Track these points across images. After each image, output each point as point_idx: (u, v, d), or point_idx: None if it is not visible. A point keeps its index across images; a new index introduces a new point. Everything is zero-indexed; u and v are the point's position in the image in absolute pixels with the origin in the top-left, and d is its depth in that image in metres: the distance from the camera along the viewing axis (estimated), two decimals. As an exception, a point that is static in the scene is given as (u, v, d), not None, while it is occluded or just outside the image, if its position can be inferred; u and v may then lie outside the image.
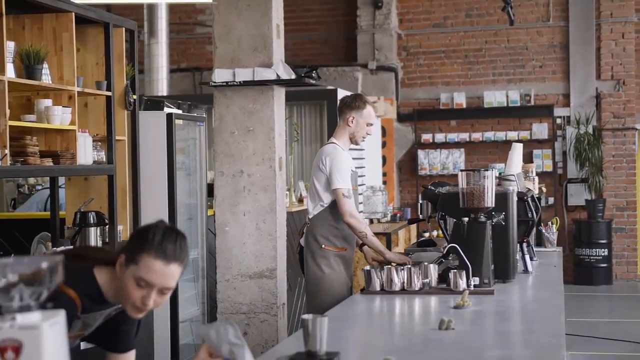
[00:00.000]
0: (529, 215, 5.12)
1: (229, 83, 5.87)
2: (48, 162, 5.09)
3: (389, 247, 9.37)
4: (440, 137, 13.08)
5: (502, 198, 4.63)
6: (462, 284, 4.25)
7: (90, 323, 2.81)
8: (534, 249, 5.80)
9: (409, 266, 4.38)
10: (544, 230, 6.54)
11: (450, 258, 4.56)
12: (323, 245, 5.36)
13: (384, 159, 12.59)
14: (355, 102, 5.48)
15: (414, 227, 11.45)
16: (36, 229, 6.16)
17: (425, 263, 4.46)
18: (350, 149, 5.56)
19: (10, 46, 4.88)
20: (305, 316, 2.76)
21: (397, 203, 12.92)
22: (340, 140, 5.48)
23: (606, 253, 12.46)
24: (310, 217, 5.48)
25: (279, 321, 5.78)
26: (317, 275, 5.35)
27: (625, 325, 9.78)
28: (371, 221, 10.85)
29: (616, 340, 8.78)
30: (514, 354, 3.04)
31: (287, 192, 8.35)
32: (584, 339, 8.84)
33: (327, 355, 2.78)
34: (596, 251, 12.44)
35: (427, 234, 12.23)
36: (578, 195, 12.79)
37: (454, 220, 4.63)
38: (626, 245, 12.83)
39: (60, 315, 1.80)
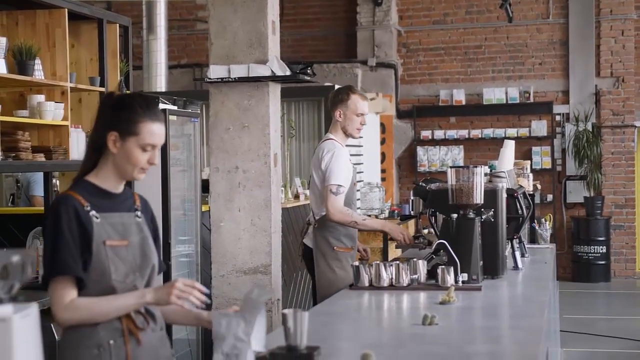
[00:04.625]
0: (519, 212, 5.13)
1: (224, 79, 5.88)
2: (40, 158, 5.11)
3: (385, 243, 9.36)
4: (439, 134, 13.09)
5: (491, 195, 4.63)
6: (450, 280, 4.26)
7: (118, 229, 2.92)
8: (527, 246, 5.81)
9: (398, 262, 4.39)
10: (537, 227, 6.55)
11: (440, 254, 4.57)
12: (335, 247, 5.28)
13: (383, 155, 12.61)
14: (339, 95, 5.42)
15: (412, 223, 11.46)
16: (32, 224, 6.18)
17: (415, 259, 4.48)
18: (348, 145, 5.55)
19: (2, 42, 4.90)
20: (286, 311, 2.78)
21: (396, 200, 12.94)
22: (337, 135, 5.42)
23: (604, 250, 12.47)
24: (317, 217, 5.36)
25: (274, 317, 5.80)
26: (330, 277, 5.23)
27: (622, 323, 9.79)
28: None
29: (613, 337, 8.79)
30: (492, 348, 3.05)
31: (283, 189, 8.38)
32: (580, 335, 8.86)
33: (307, 350, 2.80)
34: (594, 248, 12.45)
35: (426, 231, 12.25)
36: (577, 193, 12.80)
37: (443, 216, 4.65)
38: (624, 243, 12.84)
39: (32, 308, 1.83)
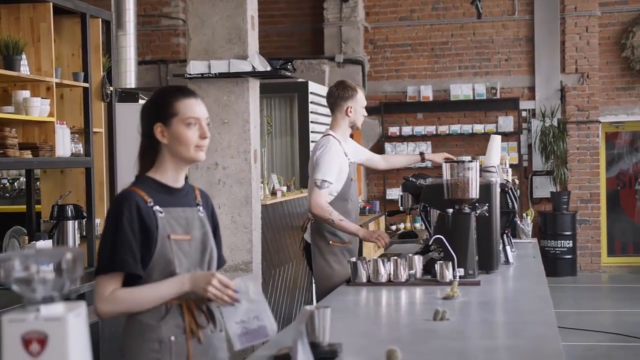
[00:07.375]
0: (510, 206, 5.14)
1: (204, 75, 5.83)
2: (27, 154, 5.01)
3: (360, 242, 9.33)
4: (407, 130, 13.13)
5: (485, 189, 4.64)
6: (449, 275, 4.26)
7: (182, 223, 2.92)
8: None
9: (396, 258, 4.37)
10: (519, 222, 6.59)
11: (432, 249, 4.57)
12: (330, 242, 5.26)
13: (351, 151, 12.58)
14: (346, 91, 5.45)
15: (382, 219, 11.50)
16: (10, 223, 6.07)
17: (410, 254, 4.47)
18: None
19: (-15, 37, 4.80)
20: (309, 307, 2.75)
21: (364, 196, 12.95)
22: (338, 131, 5.39)
23: (571, 244, 12.61)
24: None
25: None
26: (327, 272, 5.22)
27: (590, 316, 9.90)
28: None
29: (582, 330, 8.89)
30: (513, 343, 3.05)
31: (261, 185, 8.33)
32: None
33: (329, 347, 2.78)
34: (561, 243, 12.58)
35: (394, 227, 12.29)
36: (543, 188, 12.93)
37: (438, 211, 4.64)
38: (590, 237, 12.99)
39: (82, 307, 1.78)
